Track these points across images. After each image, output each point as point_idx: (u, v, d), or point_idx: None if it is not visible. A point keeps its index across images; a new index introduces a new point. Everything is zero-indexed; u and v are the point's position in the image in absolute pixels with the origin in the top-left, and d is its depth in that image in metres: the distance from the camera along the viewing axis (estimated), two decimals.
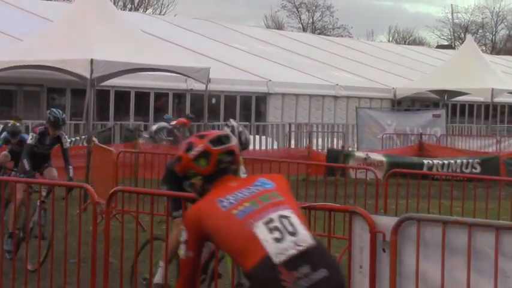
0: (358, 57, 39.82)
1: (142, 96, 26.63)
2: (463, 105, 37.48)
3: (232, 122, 7.25)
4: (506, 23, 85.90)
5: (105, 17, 22.10)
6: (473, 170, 19.14)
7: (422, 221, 5.20)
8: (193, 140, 3.85)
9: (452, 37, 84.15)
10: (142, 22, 30.85)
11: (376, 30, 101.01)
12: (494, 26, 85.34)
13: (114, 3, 50.72)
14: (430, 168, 18.94)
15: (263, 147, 24.31)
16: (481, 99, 34.10)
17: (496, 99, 32.57)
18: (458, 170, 19.12)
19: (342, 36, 67.98)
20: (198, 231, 3.62)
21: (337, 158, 18.63)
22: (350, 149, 24.30)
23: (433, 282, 5.15)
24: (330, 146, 25.60)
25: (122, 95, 25.96)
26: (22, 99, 24.43)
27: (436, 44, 77.26)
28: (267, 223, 3.49)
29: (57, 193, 6.99)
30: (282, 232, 3.48)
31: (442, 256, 5.07)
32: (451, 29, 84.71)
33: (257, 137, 25.27)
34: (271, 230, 3.47)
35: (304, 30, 73.16)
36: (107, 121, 24.36)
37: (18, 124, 21.04)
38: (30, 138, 9.94)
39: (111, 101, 25.55)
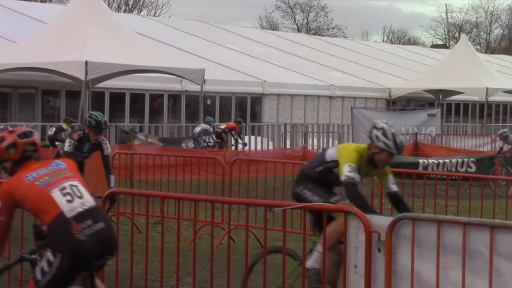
0: (353, 57, 39.87)
1: (137, 97, 26.63)
2: (457, 105, 37.54)
3: (381, 123, 6.44)
4: (500, 22, 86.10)
5: (100, 19, 22.10)
6: (469, 169, 19.15)
7: (417, 221, 5.20)
8: (4, 134, 5.02)
9: (447, 37, 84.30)
10: (136, 24, 30.83)
11: (370, 30, 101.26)
12: (489, 26, 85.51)
13: (108, 5, 50.73)
14: (426, 167, 18.93)
15: (258, 148, 24.33)
16: (476, 98, 34.18)
17: (491, 99, 32.64)
18: (453, 169, 19.13)
19: (336, 36, 68.04)
20: (11, 200, 4.85)
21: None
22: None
23: (428, 282, 5.15)
24: (325, 146, 25.60)
25: (117, 97, 25.95)
26: (17, 102, 24.40)
27: (430, 44, 77.42)
28: (61, 190, 4.78)
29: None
30: (72, 196, 4.79)
31: (437, 255, 5.07)
32: (445, 29, 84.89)
33: (252, 137, 25.30)
34: (64, 195, 4.78)
35: (299, 30, 73.19)
36: None
37: (68, 128, 21.36)
38: (67, 145, 8.96)
39: (106, 103, 25.53)
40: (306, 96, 30.55)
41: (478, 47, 77.02)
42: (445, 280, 5.09)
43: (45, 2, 51.83)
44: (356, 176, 6.07)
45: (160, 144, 21.63)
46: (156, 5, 66.06)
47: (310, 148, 23.72)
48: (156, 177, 13.03)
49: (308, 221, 8.72)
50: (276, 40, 40.24)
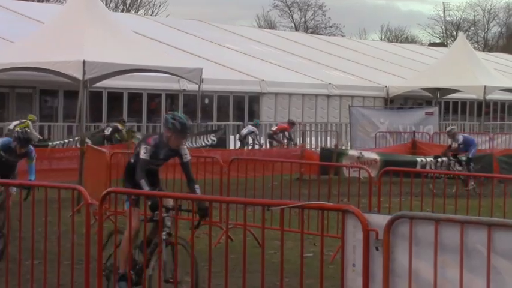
0: (351, 56, 39.87)
1: (135, 97, 26.61)
2: (455, 103, 37.55)
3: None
4: (498, 21, 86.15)
5: (97, 19, 22.09)
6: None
7: (415, 219, 5.20)
8: None
9: (445, 35, 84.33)
10: (134, 23, 30.81)
11: (368, 28, 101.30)
12: (486, 24, 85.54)
13: (106, 5, 50.70)
14: (424, 166, 18.95)
15: (256, 147, 24.33)
16: (474, 96, 34.18)
17: (489, 97, 32.65)
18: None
19: (334, 35, 68.04)
20: None
21: (330, 157, 18.63)
22: (343, 147, 24.32)
23: (426, 280, 5.15)
24: (323, 145, 25.63)
25: (115, 96, 25.94)
26: (14, 102, 24.38)
27: (428, 42, 77.42)
28: None
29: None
30: None
31: (435, 254, 5.07)
32: (443, 27, 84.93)
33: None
34: None
35: (297, 29, 73.17)
36: (100, 122, 24.33)
37: (123, 128, 21.68)
38: (143, 152, 7.61)
39: (104, 102, 25.53)
40: (303, 95, 30.56)
41: (476, 45, 77.07)
42: (443, 279, 5.09)
43: (42, 1, 51.79)
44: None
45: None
46: (154, 4, 65.97)
47: (308, 147, 23.73)
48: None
49: (306, 220, 8.72)
50: (274, 39, 40.23)
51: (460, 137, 18.50)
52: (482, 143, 26.32)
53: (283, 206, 5.83)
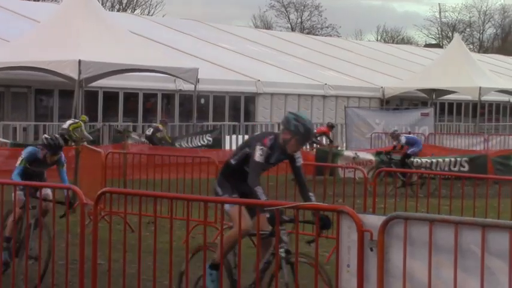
0: (347, 56, 39.91)
1: (130, 96, 26.61)
2: (451, 104, 37.60)
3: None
4: (493, 22, 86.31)
5: (93, 18, 22.09)
6: (462, 169, 19.20)
7: (409, 220, 5.21)
8: None
9: (440, 36, 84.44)
10: (130, 23, 30.81)
11: (364, 29, 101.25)
12: (482, 25, 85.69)
13: (102, 4, 50.66)
14: (418, 166, 18.97)
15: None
16: (469, 97, 34.24)
17: (484, 98, 32.72)
18: (446, 169, 19.18)
19: (330, 35, 68.09)
20: None
21: (326, 158, 18.65)
22: (339, 148, 24.33)
23: (420, 281, 5.17)
24: (318, 146, 25.61)
25: (111, 96, 25.93)
26: (10, 101, 24.35)
27: (424, 43, 77.53)
28: None
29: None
30: None
31: (429, 254, 5.09)
32: (438, 28, 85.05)
33: (246, 137, 25.29)
34: None
35: (293, 29, 73.22)
36: (96, 122, 24.33)
37: (164, 129, 21.93)
38: (259, 155, 6.66)
39: (100, 102, 25.51)
40: (299, 95, 30.58)
41: (471, 47, 77.19)
42: (437, 279, 5.10)
43: (38, 0, 51.73)
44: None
45: (146, 141, 21.61)
46: (150, 4, 65.98)
47: (303, 147, 23.72)
48: (149, 177, 13.03)
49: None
50: (270, 39, 40.25)
51: (403, 138, 18.74)
52: (477, 144, 26.39)
53: (278, 207, 5.83)
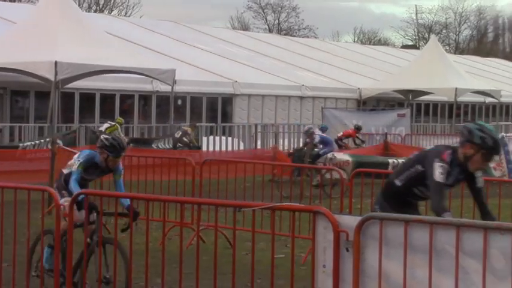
0: (324, 57, 40.01)
1: (107, 98, 26.49)
2: (427, 105, 37.82)
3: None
4: (469, 24, 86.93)
5: (70, 19, 21.97)
6: None
7: (385, 220, 5.24)
8: None
9: (417, 37, 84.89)
10: (107, 24, 30.68)
11: (341, 30, 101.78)
12: (458, 26, 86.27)
13: (79, 5, 50.44)
14: (395, 167, 19.04)
15: (229, 148, 24.33)
16: (445, 98, 34.45)
17: (460, 99, 32.94)
18: None
19: (307, 37, 68.24)
20: None
21: (303, 159, 18.68)
22: (316, 149, 24.35)
23: (396, 281, 5.19)
24: (296, 147, 25.66)
25: (87, 97, 25.80)
26: None
27: (400, 44, 77.92)
28: None
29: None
30: None
31: (404, 254, 5.11)
32: (415, 29, 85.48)
33: (223, 138, 25.27)
34: None
35: (270, 31, 73.29)
36: (72, 123, 24.20)
37: (192, 132, 21.91)
38: (440, 173, 5.75)
39: (76, 103, 25.38)
40: (276, 96, 30.60)
41: (448, 48, 77.68)
42: (413, 279, 5.13)
43: (14, 1, 51.41)
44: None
45: (131, 145, 21.57)
46: (127, 5, 65.73)
47: (281, 148, 23.77)
48: (126, 178, 12.96)
49: (278, 221, 8.74)
50: (247, 40, 40.26)
51: (317, 137, 18.65)
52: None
53: (254, 208, 5.84)
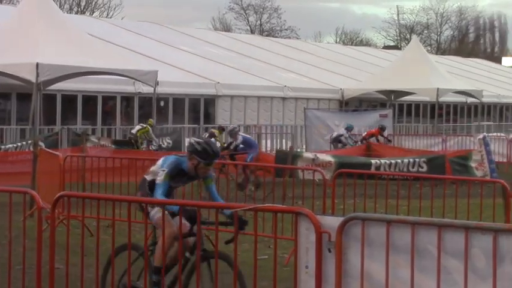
0: (306, 58, 40.07)
1: (89, 99, 26.40)
2: (409, 105, 37.97)
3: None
4: (450, 24, 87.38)
5: (51, 20, 21.90)
6: (420, 169, 19.37)
7: (367, 221, 5.25)
8: None
9: (399, 38, 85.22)
10: (89, 25, 30.58)
11: (323, 31, 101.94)
12: (439, 27, 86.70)
13: (60, 7, 50.24)
14: (378, 168, 19.11)
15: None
16: (427, 98, 34.60)
17: (442, 99, 33.08)
18: (405, 169, 19.33)
19: (289, 37, 68.31)
20: None
21: (285, 159, 18.69)
22: (299, 150, 24.42)
23: (378, 281, 5.20)
24: (278, 147, 25.70)
25: (69, 99, 25.71)
26: None
27: (382, 45, 78.16)
28: None
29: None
30: None
31: (386, 255, 5.12)
32: (397, 30, 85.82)
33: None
34: None
35: (252, 32, 73.31)
36: (54, 125, 24.11)
37: (219, 135, 21.95)
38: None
39: (58, 105, 25.28)
40: (259, 97, 30.62)
41: (429, 48, 78.05)
42: (395, 279, 5.15)
43: None
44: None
45: (113, 146, 21.52)
46: (109, 7, 65.54)
47: (263, 149, 23.77)
48: (108, 180, 12.95)
49: (261, 222, 8.75)
50: (229, 41, 40.25)
51: (240, 138, 18.05)
52: (435, 145, 26.67)
53: (236, 209, 5.84)
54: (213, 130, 23.17)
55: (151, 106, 24.66)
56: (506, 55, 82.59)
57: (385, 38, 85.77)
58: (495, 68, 58.11)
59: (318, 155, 20.15)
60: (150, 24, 39.13)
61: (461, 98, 38.38)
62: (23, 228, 6.56)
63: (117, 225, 6.53)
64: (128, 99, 27.31)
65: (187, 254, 6.47)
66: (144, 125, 22.12)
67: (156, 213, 6.57)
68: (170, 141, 23.33)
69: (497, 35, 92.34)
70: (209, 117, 29.18)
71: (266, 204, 6.39)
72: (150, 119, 22.86)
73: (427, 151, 24.21)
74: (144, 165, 13.96)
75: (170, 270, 6.57)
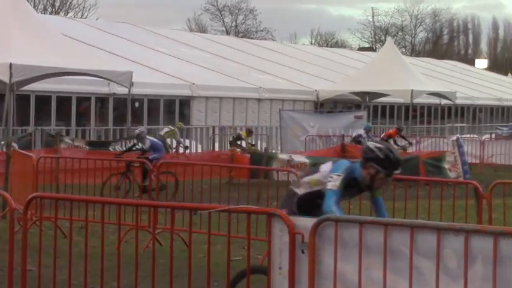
0: (282, 60, 40.13)
1: (63, 100, 26.25)
2: (384, 107, 38.15)
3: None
4: (424, 26, 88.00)
5: (25, 21, 21.71)
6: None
7: (340, 222, 5.26)
8: None
9: (373, 39, 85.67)
10: (63, 25, 30.41)
11: (299, 33, 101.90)
12: (414, 29, 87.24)
13: (34, 7, 49.93)
14: None
15: (187, 151, 24.29)
16: (401, 100, 34.78)
17: (416, 101, 33.26)
18: None
19: (265, 39, 68.36)
20: None
21: (260, 161, 18.71)
22: (274, 151, 24.47)
23: (352, 282, 5.22)
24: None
25: (43, 100, 25.55)
26: None
27: (357, 47, 78.54)
28: None
29: None
30: None
31: (359, 256, 5.14)
32: (372, 32, 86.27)
33: (181, 140, 25.22)
34: None
35: (228, 33, 73.30)
36: (28, 126, 23.93)
37: (246, 137, 21.99)
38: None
39: (32, 106, 25.11)
40: (234, 98, 30.62)
41: (404, 50, 78.54)
42: (368, 280, 5.16)
43: None
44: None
45: (87, 147, 21.43)
46: (84, 7, 65.21)
47: (238, 151, 23.77)
48: (82, 181, 12.90)
49: (236, 224, 8.74)
50: (205, 43, 40.23)
51: (148, 142, 17.15)
52: (410, 146, 26.80)
53: (209, 210, 5.84)
54: (240, 132, 23.47)
55: (126, 107, 24.56)
56: (479, 57, 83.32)
57: (360, 39, 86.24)
58: (469, 70, 58.60)
59: (293, 156, 20.19)
60: (125, 25, 39.00)
61: (435, 100, 38.63)
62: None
63: (91, 226, 6.51)
64: (102, 100, 27.18)
65: None
66: (172, 128, 22.91)
67: None
68: None
69: (470, 37, 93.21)
70: (184, 118, 29.13)
71: (240, 206, 6.40)
72: (180, 122, 23.76)
73: (401, 152, 24.34)
74: (118, 166, 13.94)
75: None
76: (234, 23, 77.60)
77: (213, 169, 12.17)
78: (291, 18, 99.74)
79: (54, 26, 26.27)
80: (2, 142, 19.41)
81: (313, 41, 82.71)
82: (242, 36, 65.17)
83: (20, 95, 23.63)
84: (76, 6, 64.52)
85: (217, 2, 76.43)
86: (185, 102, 29.41)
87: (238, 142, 23.34)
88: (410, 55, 71.29)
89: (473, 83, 49.74)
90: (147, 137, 17.45)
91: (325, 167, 6.04)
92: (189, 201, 10.81)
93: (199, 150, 24.97)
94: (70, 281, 6.33)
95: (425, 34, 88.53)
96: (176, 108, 29.25)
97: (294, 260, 5.33)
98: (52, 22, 29.39)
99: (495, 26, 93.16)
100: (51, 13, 59.08)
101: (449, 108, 40.92)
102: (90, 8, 67.02)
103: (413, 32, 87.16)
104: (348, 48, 69.50)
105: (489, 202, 9.50)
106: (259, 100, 31.57)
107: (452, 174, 19.46)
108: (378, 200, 6.16)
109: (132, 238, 10.04)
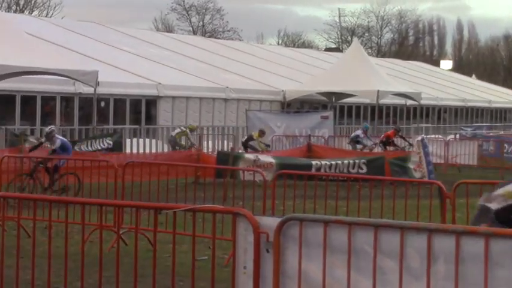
0: (248, 60, 40.15)
1: (28, 100, 26.02)
2: (350, 107, 38.33)
3: None
4: (390, 27, 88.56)
5: None
6: (360, 170, 19.59)
7: (305, 221, 5.27)
8: None
9: (340, 40, 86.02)
10: (28, 24, 30.13)
11: (266, 33, 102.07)
12: (380, 30, 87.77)
13: None
14: (318, 169, 19.26)
15: (153, 151, 24.20)
16: (367, 100, 34.98)
17: (382, 101, 33.48)
18: (345, 171, 19.53)
19: (232, 39, 68.35)
20: None
21: (227, 160, 18.72)
22: (240, 151, 24.47)
23: (316, 281, 5.23)
24: (220, 149, 25.70)
25: (7, 99, 25.29)
26: None
27: (324, 47, 78.83)
28: None
29: None
30: None
31: (324, 255, 5.16)
32: (338, 32, 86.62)
33: (147, 140, 25.12)
34: None
35: (195, 33, 73.16)
36: None
37: (258, 138, 21.89)
38: None
39: None
40: (201, 98, 30.58)
41: (370, 51, 78.92)
42: (332, 279, 5.18)
43: None
44: None
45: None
46: (49, 6, 64.66)
47: (205, 150, 23.75)
48: (46, 181, 12.79)
49: (201, 223, 8.73)
50: (171, 42, 40.11)
51: (58, 141, 16.56)
52: (376, 147, 26.97)
53: (174, 210, 5.83)
54: (252, 133, 23.69)
55: (92, 107, 24.41)
56: (444, 58, 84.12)
57: (327, 40, 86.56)
58: (434, 71, 59.12)
59: (259, 156, 20.23)
60: (91, 24, 38.75)
61: (401, 100, 38.90)
62: None
63: (55, 226, 6.47)
64: (67, 99, 26.98)
65: None
66: (183, 128, 23.35)
67: None
68: (111, 142, 23.09)
69: (436, 38, 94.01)
70: (150, 118, 29.03)
71: (205, 205, 6.40)
72: (193, 124, 24.25)
73: (367, 153, 24.49)
74: (83, 165, 13.84)
75: None
76: (201, 23, 77.52)
77: (178, 169, 12.15)
78: (258, 18, 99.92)
79: (18, 24, 26.07)
80: None
81: (280, 42, 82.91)
82: (209, 36, 65.08)
83: None
84: (41, 4, 64.03)
85: (184, 1, 76.32)
86: (151, 102, 29.30)
87: (251, 143, 23.79)
88: (377, 56, 71.72)
89: (438, 84, 50.18)
90: (57, 136, 16.95)
91: None
92: (154, 200, 10.78)
93: (165, 150, 24.86)
94: (33, 281, 6.28)
95: (391, 35, 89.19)
96: (143, 108, 29.13)
97: (259, 260, 5.34)
98: (16, 21, 29.14)
99: (460, 28, 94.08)
100: (15, 11, 58.49)
101: (415, 108, 41.24)
102: (55, 7, 66.51)
103: (380, 33, 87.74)
104: (315, 49, 69.74)
105: (452, 202, 9.59)
106: (226, 100, 31.56)
107: (417, 174, 19.60)
108: None
109: (97, 238, 10.00)
